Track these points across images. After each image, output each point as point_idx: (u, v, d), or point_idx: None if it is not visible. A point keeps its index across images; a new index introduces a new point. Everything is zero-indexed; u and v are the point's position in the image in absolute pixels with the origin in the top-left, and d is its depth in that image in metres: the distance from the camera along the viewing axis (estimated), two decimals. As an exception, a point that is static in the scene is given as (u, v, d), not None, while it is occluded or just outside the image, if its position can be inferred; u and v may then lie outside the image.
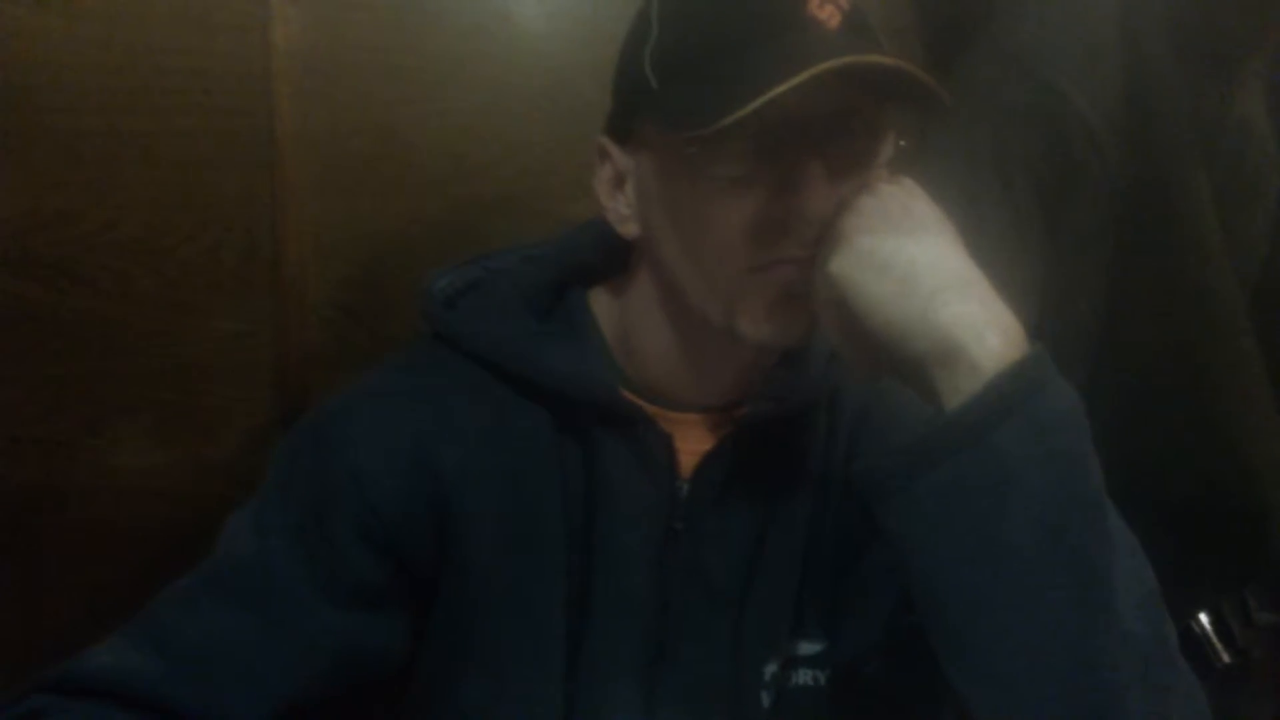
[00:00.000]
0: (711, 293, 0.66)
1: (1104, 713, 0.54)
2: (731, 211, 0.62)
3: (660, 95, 0.63)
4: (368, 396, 0.73)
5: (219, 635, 0.65)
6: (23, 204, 0.94)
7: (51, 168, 0.94)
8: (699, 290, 0.67)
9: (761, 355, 0.73)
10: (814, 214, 0.61)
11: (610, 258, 0.76)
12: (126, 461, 1.00)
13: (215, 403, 1.01)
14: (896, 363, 0.60)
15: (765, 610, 0.74)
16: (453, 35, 1.02)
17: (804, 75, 0.55)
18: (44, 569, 1.00)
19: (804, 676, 0.76)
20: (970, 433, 0.56)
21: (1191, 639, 0.99)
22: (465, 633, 0.71)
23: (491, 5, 1.02)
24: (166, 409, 1.00)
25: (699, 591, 0.73)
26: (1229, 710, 0.98)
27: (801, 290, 0.64)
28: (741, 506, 0.74)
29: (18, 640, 0.99)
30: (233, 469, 1.02)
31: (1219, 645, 0.99)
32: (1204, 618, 1.00)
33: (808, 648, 0.76)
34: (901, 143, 0.66)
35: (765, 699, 0.75)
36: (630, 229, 0.70)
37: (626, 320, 0.74)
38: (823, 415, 0.77)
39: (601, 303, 0.76)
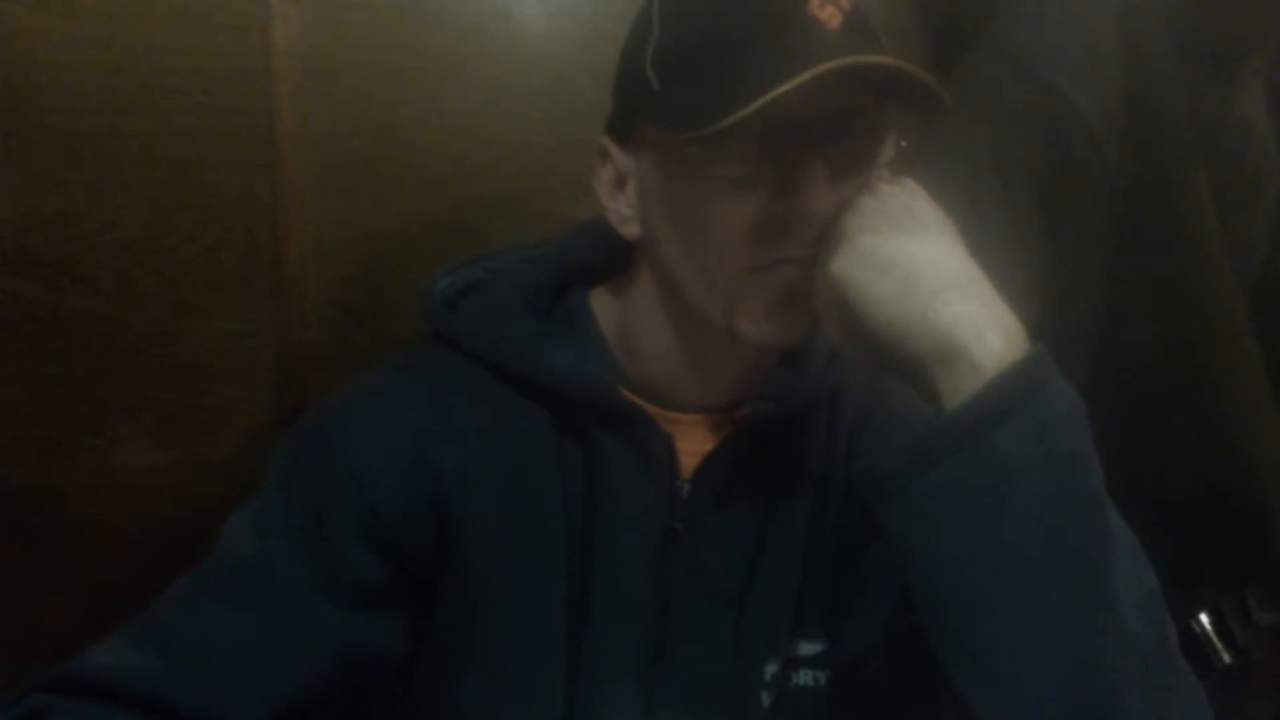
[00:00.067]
0: (712, 293, 0.66)
1: (1104, 713, 0.54)
2: (732, 211, 0.62)
3: (661, 95, 0.63)
4: (368, 396, 0.73)
5: (219, 635, 0.65)
6: (23, 204, 0.94)
7: (51, 168, 0.94)
8: (700, 290, 0.67)
9: (762, 355, 0.73)
10: (815, 214, 0.61)
11: (611, 258, 0.76)
12: (126, 461, 1.00)
13: (215, 403, 1.01)
14: (897, 362, 0.60)
15: (765, 610, 0.74)
16: (453, 35, 1.02)
17: (805, 75, 0.55)
18: (44, 569, 1.00)
19: (804, 677, 0.76)
20: (971, 432, 0.56)
21: (1192, 639, 1.00)
22: (465, 633, 0.71)
23: (491, 5, 1.02)
24: (166, 409, 1.00)
25: (699, 592, 0.73)
26: (1229, 710, 0.98)
27: (802, 290, 0.64)
28: (742, 507, 0.74)
29: (18, 640, 0.99)
30: (233, 469, 1.02)
31: (1219, 645, 1.00)
32: (1204, 618, 1.00)
33: (808, 648, 0.76)
34: (903, 143, 0.66)
35: (765, 699, 0.75)
36: (631, 229, 0.70)
37: (627, 320, 0.74)
38: (823, 415, 0.77)
39: (602, 303, 0.76)
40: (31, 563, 0.99)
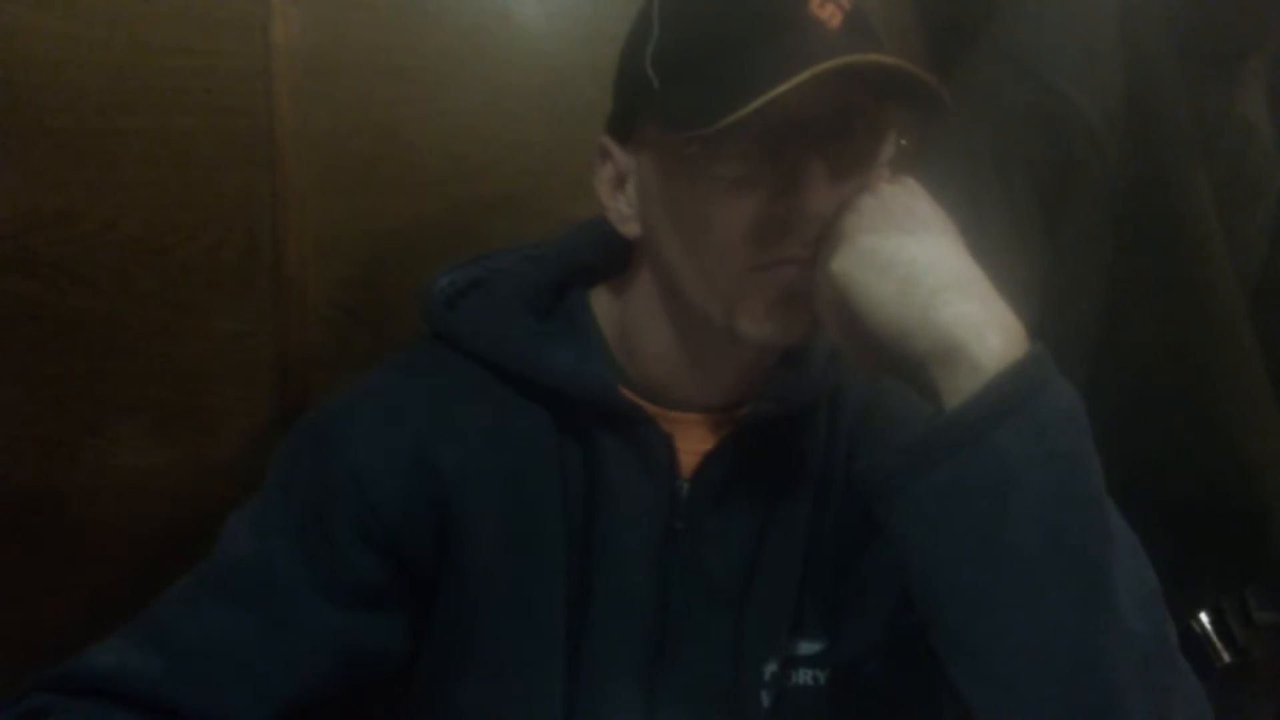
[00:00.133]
0: (712, 292, 0.66)
1: (1104, 713, 0.54)
2: (733, 211, 0.62)
3: (661, 95, 0.63)
4: (368, 396, 0.73)
5: (219, 635, 0.65)
6: (23, 203, 0.94)
7: (51, 167, 0.94)
8: (700, 289, 0.67)
9: (762, 355, 0.73)
10: (815, 213, 0.61)
11: (611, 257, 0.76)
12: (126, 461, 1.00)
13: (215, 403, 1.01)
14: (897, 362, 0.60)
15: (765, 610, 0.74)
16: (453, 35, 1.02)
17: (805, 75, 0.55)
18: (44, 569, 1.00)
19: (804, 676, 0.76)
20: (971, 432, 0.56)
21: (1192, 638, 1.00)
22: (465, 633, 0.71)
23: (492, 5, 1.02)
24: (166, 409, 1.00)
25: (699, 591, 0.73)
26: (1230, 710, 0.98)
27: (802, 290, 0.64)
28: (742, 506, 0.74)
29: (18, 640, 0.99)
30: (233, 469, 1.02)
31: (1219, 645, 1.00)
32: (1204, 617, 1.00)
33: (808, 647, 0.76)
34: (902, 142, 0.66)
35: (765, 698, 0.74)
36: (631, 229, 0.70)
37: (627, 320, 0.74)
38: (823, 415, 0.77)
39: (602, 302, 0.76)
40: (31, 563, 0.99)
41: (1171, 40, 0.97)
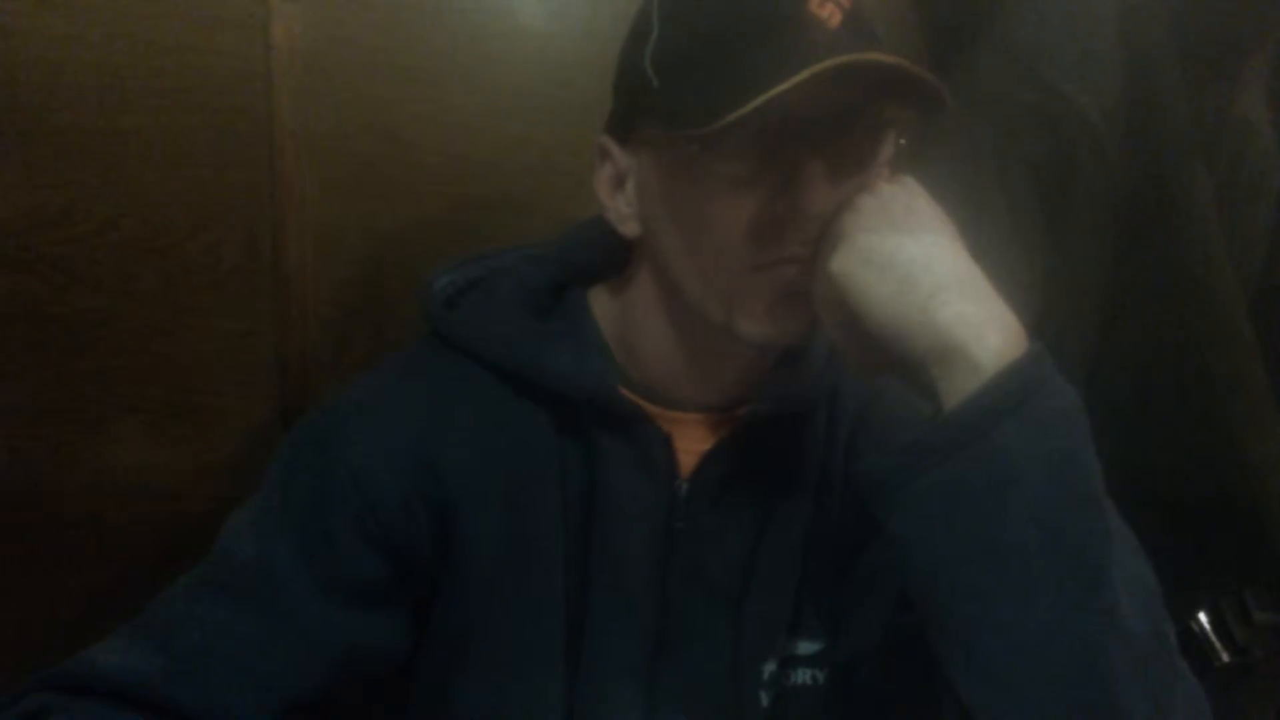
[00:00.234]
0: (711, 292, 0.66)
1: (1103, 712, 0.54)
2: (732, 210, 0.62)
3: (661, 94, 0.63)
4: (368, 396, 0.73)
5: (220, 634, 0.65)
6: (23, 203, 0.94)
7: (52, 167, 0.94)
8: (699, 289, 0.67)
9: (761, 355, 0.73)
10: (814, 213, 0.61)
11: (610, 257, 0.76)
12: (126, 461, 1.00)
13: (215, 402, 1.01)
14: (896, 362, 0.60)
15: (764, 609, 0.74)
16: (453, 35, 1.02)
17: (804, 74, 0.55)
18: (44, 569, 1.00)
19: (803, 676, 0.76)
20: (970, 432, 0.56)
21: (1191, 639, 1.00)
22: (465, 632, 0.71)
23: (492, 5, 1.02)
24: (166, 409, 1.00)
25: (698, 590, 0.73)
26: (1229, 710, 0.98)
27: (802, 289, 0.64)
28: (741, 506, 0.74)
29: (18, 640, 0.99)
30: (233, 468, 1.02)
31: (1218, 645, 1.00)
32: (1203, 617, 1.00)
33: (807, 647, 0.76)
34: (902, 142, 0.66)
35: (764, 698, 0.75)
36: (631, 228, 0.70)
37: (626, 319, 0.74)
38: (822, 414, 0.77)
39: (601, 302, 0.76)
40: (31, 563, 0.99)
41: (1172, 40, 0.97)
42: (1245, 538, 0.99)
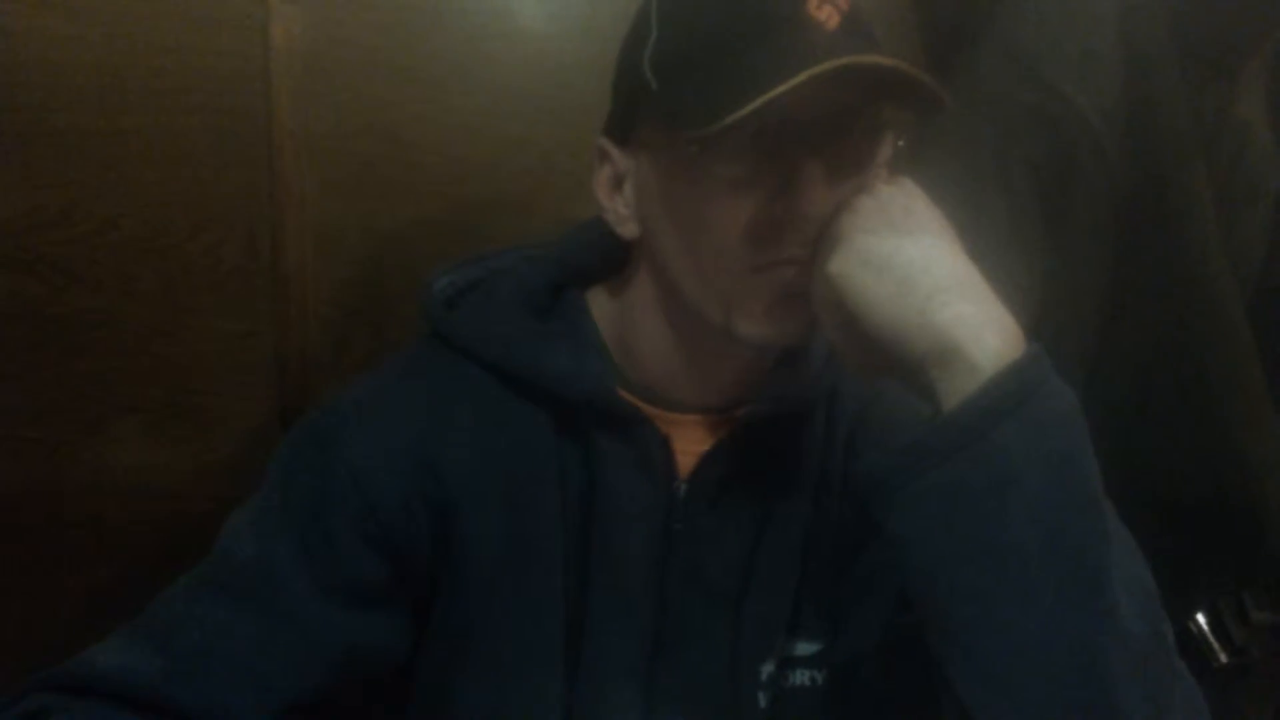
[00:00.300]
0: (710, 293, 0.66)
1: (1102, 713, 0.54)
2: (730, 212, 0.62)
3: (660, 96, 0.63)
4: (368, 396, 0.73)
5: (220, 635, 0.65)
6: (23, 203, 0.94)
7: (52, 167, 0.94)
8: (697, 290, 0.67)
9: (760, 356, 0.73)
10: (813, 214, 0.61)
11: (610, 258, 0.76)
12: (126, 461, 1.00)
13: (215, 402, 1.02)
14: (895, 363, 0.60)
15: (763, 610, 0.75)
16: (453, 35, 1.02)
17: (802, 76, 0.55)
18: (44, 569, 1.00)
19: (801, 677, 0.76)
20: (969, 433, 0.56)
21: (1189, 639, 1.00)
22: (464, 632, 0.71)
23: (492, 5, 1.02)
24: (167, 409, 1.01)
25: (697, 591, 0.73)
26: (1227, 710, 0.98)
27: (800, 291, 0.64)
28: (739, 507, 0.74)
29: (18, 640, 1.00)
30: (233, 469, 1.02)
31: (1216, 645, 1.00)
32: (1201, 617, 1.00)
33: (805, 648, 0.76)
34: (900, 143, 0.66)
35: (762, 699, 0.75)
36: (629, 230, 0.70)
37: (625, 321, 0.74)
38: (821, 415, 0.77)
39: (600, 303, 0.76)
40: (31, 563, 1.00)
41: (1172, 40, 0.97)
42: (1243, 538, 0.99)
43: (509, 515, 0.70)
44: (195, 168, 0.97)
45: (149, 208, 0.97)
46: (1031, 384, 0.56)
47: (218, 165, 0.98)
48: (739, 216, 0.62)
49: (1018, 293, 0.61)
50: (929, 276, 0.58)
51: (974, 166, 0.92)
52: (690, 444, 0.73)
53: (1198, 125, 0.97)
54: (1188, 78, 0.97)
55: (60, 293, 0.96)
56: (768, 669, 0.75)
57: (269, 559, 0.67)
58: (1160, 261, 0.96)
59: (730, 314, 0.65)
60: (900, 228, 0.60)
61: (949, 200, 0.64)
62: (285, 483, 0.70)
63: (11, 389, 0.96)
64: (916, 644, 0.61)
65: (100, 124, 0.94)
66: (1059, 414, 0.57)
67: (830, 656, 0.76)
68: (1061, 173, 0.92)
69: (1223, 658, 0.99)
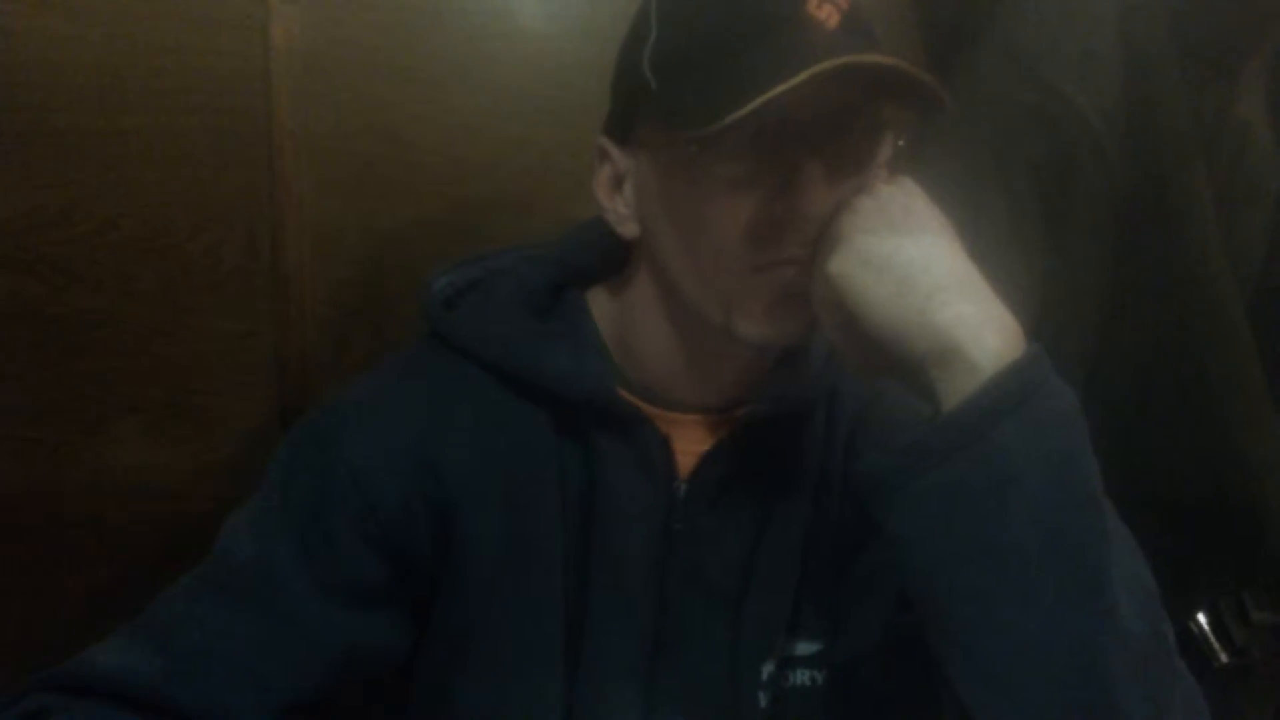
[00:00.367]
0: (710, 293, 0.66)
1: (1102, 713, 0.54)
2: (730, 211, 0.62)
3: (659, 95, 0.63)
4: (367, 396, 0.73)
5: (219, 635, 0.65)
6: (23, 203, 0.94)
7: (52, 167, 0.94)
8: (697, 290, 0.67)
9: (760, 356, 0.73)
10: (813, 214, 0.61)
11: (610, 258, 0.76)
12: (126, 461, 1.00)
13: (215, 402, 1.02)
14: (895, 363, 0.60)
15: (763, 610, 0.74)
16: (453, 35, 1.02)
17: (802, 76, 0.55)
18: (44, 569, 1.00)
19: (802, 677, 0.76)
20: (969, 433, 0.56)
21: (1189, 639, 1.00)
22: (464, 632, 0.71)
23: (492, 5, 1.02)
24: (167, 409, 1.01)
25: (697, 591, 0.73)
26: (1227, 710, 0.98)
27: (800, 290, 0.64)
28: (739, 507, 0.74)
29: (18, 640, 1.00)
30: (232, 468, 1.02)
31: (1217, 645, 1.00)
32: (1202, 618, 1.00)
33: (805, 648, 0.76)
34: (900, 142, 0.66)
35: (762, 699, 0.75)
36: (629, 229, 0.70)
37: (625, 321, 0.74)
38: (821, 415, 0.77)
39: (600, 303, 0.76)
40: (31, 563, 1.00)
41: (1172, 40, 0.97)
42: (1243, 538, 0.99)
43: (509, 515, 0.70)
44: (195, 168, 0.97)
45: (149, 208, 0.97)
46: (1031, 384, 0.56)
47: (218, 165, 0.98)
48: (739, 216, 0.62)
49: (1018, 292, 0.61)
50: (929, 276, 0.58)
51: (974, 166, 0.92)
52: (690, 444, 0.73)
53: (1198, 125, 0.97)
54: (1188, 78, 0.97)
55: (60, 293, 0.96)
56: (768, 669, 0.75)
57: (269, 559, 0.67)
58: (1160, 261, 0.96)
59: (730, 314, 0.65)
60: (900, 227, 0.60)
61: (949, 200, 0.64)
62: (285, 483, 0.70)
63: (11, 389, 0.97)
64: (916, 644, 0.61)
65: (100, 124, 0.94)
66: (1059, 414, 0.57)
67: (830, 656, 0.76)
68: (1061, 173, 0.92)
69: (1223, 658, 0.99)
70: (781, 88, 0.55)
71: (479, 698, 0.71)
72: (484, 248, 0.81)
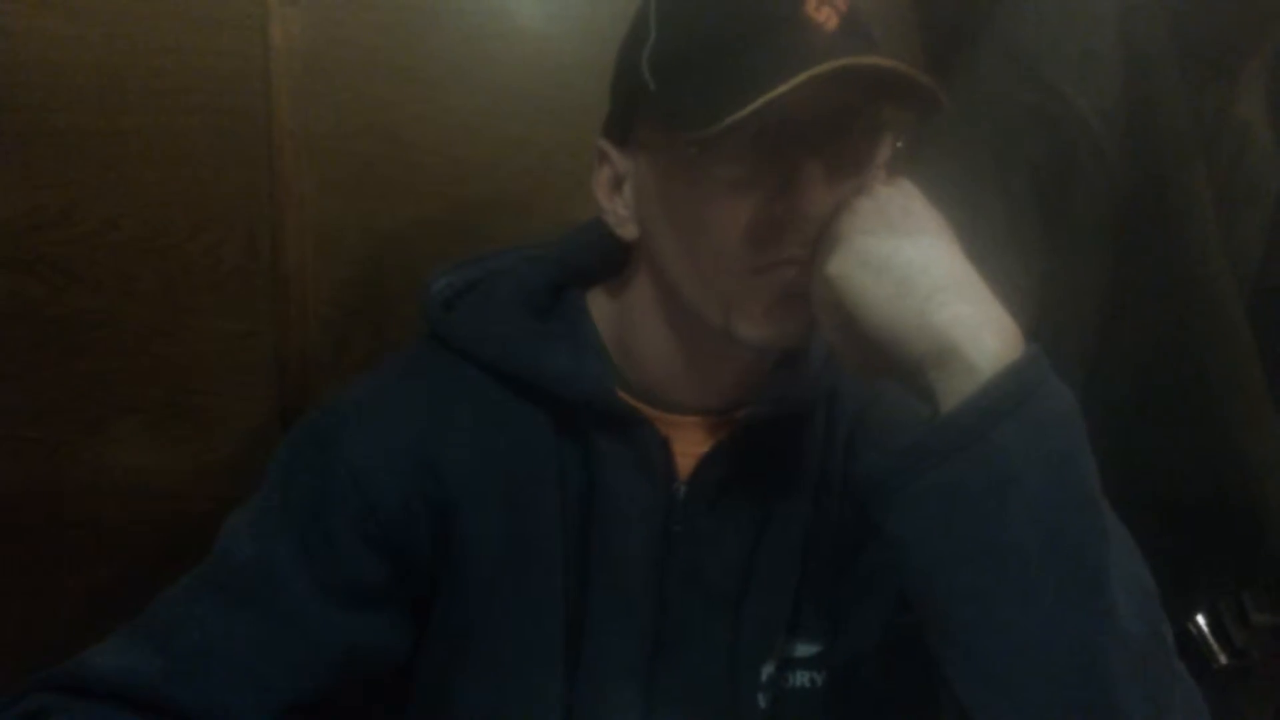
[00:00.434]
0: (709, 294, 0.66)
1: (1101, 713, 0.54)
2: (730, 213, 0.62)
3: (659, 97, 0.63)
4: (367, 397, 0.73)
5: (219, 635, 0.65)
6: (23, 203, 0.94)
7: (51, 167, 0.94)
8: (697, 291, 0.67)
9: (759, 357, 0.73)
10: (812, 215, 0.61)
11: (609, 259, 0.76)
12: (126, 461, 1.00)
13: (215, 403, 1.02)
14: (894, 364, 0.60)
15: (762, 611, 0.75)
16: (453, 35, 1.02)
17: (801, 77, 0.55)
18: (44, 569, 1.00)
19: (801, 678, 0.76)
20: (968, 433, 0.56)
21: (1189, 640, 1.00)
22: (465, 632, 0.71)
23: (491, 6, 1.02)
24: (167, 409, 1.01)
25: (696, 593, 0.73)
26: (1227, 712, 0.98)
27: (800, 291, 0.64)
28: (739, 508, 0.74)
29: (18, 640, 1.00)
30: (232, 469, 1.02)
31: (1216, 646, 1.00)
32: (1201, 619, 1.00)
33: (805, 649, 0.76)
34: (899, 143, 0.66)
35: (762, 700, 0.75)
36: (628, 231, 0.70)
37: (624, 322, 0.74)
38: (820, 417, 0.77)
39: (599, 304, 0.76)
40: (31, 563, 1.00)
41: (1172, 40, 0.97)
42: (1243, 539, 0.99)
43: (509, 515, 0.70)
44: (195, 168, 0.97)
45: (149, 208, 0.97)
46: (1030, 384, 0.56)
47: (218, 165, 0.98)
48: (738, 217, 0.62)
49: (1016, 293, 0.61)
50: (928, 277, 0.58)
51: (973, 167, 0.92)
52: (690, 445, 0.73)
53: (1198, 125, 0.97)
54: (1188, 78, 0.97)
55: (60, 293, 0.96)
56: (768, 670, 0.75)
57: (269, 559, 0.67)
58: (1160, 261, 0.96)
59: (730, 315, 0.65)
60: (899, 228, 0.60)
61: (948, 201, 0.64)
62: (285, 483, 0.71)
63: (11, 389, 0.97)
64: (916, 644, 0.61)
65: (100, 124, 0.95)
66: (1058, 414, 0.57)
67: (830, 658, 0.76)
68: (1061, 173, 0.92)
69: (1223, 659, 0.99)
70: (781, 89, 0.55)
71: (479, 698, 0.71)
72: (484, 248, 0.81)
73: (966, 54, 1.00)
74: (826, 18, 0.60)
